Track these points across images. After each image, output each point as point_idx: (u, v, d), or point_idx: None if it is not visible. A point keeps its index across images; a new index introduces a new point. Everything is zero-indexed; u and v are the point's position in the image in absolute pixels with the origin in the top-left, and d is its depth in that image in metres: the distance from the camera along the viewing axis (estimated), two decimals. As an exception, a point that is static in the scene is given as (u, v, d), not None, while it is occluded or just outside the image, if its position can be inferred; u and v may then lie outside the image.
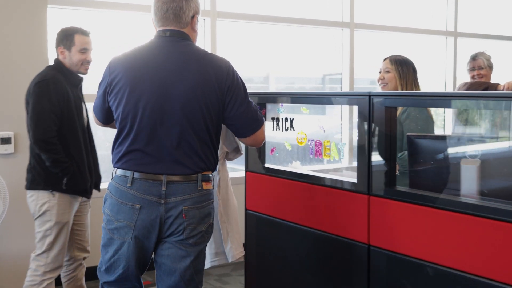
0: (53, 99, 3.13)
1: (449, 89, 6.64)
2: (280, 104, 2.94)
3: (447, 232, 2.20)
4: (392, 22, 6.16)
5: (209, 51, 4.40)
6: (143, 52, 2.39)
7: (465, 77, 6.71)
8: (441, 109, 5.49)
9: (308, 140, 2.76)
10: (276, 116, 2.97)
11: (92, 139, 3.48)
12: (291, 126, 2.86)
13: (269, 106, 3.05)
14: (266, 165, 3.12)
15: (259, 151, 3.14)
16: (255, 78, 5.39)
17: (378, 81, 3.50)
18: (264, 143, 3.01)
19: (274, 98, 3.04)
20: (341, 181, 2.62)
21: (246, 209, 3.24)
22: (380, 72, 3.49)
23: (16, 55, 3.94)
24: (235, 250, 3.07)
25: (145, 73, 2.32)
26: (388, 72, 3.41)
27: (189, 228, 2.32)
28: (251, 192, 3.20)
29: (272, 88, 5.51)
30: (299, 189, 2.84)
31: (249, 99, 2.41)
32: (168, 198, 2.30)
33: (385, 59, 3.47)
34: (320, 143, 2.70)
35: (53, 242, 3.21)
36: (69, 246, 3.42)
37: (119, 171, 2.36)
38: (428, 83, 6.68)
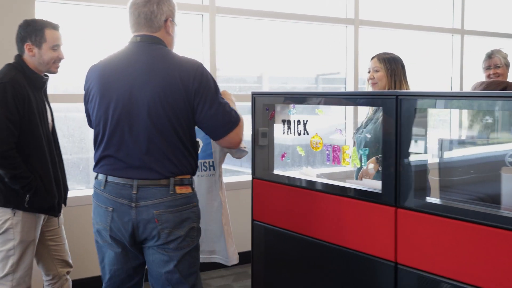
0: (11, 105, 2.74)
1: (456, 89, 6.39)
2: (292, 105, 2.66)
3: (486, 250, 1.93)
4: (397, 20, 5.90)
5: (207, 48, 4.08)
6: (115, 59, 2.42)
7: (472, 76, 6.54)
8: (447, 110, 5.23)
9: (324, 145, 2.49)
10: (286, 118, 2.69)
11: (59, 147, 3.11)
12: (305, 129, 2.59)
13: (278, 108, 2.78)
14: (276, 171, 2.85)
15: (267, 156, 2.87)
16: (248, 78, 5.20)
17: (368, 81, 3.40)
18: (272, 147, 2.77)
19: (285, 98, 2.76)
20: (363, 191, 2.34)
21: (253, 219, 2.96)
22: (369, 72, 3.39)
23: (2, 51, 3.64)
24: (234, 255, 2.91)
25: (115, 79, 2.36)
26: (378, 71, 3.33)
27: (165, 233, 2.32)
28: (259, 201, 2.92)
29: (266, 88, 5.25)
30: (312, 199, 2.57)
31: (221, 100, 2.36)
32: (139, 202, 2.31)
33: (372, 58, 3.40)
34: (338, 149, 2.43)
35: (17, 262, 2.87)
36: (49, 264, 3.11)
37: (97, 175, 2.44)
38: (434, 81, 6.43)
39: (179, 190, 2.34)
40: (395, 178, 2.20)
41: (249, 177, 4.78)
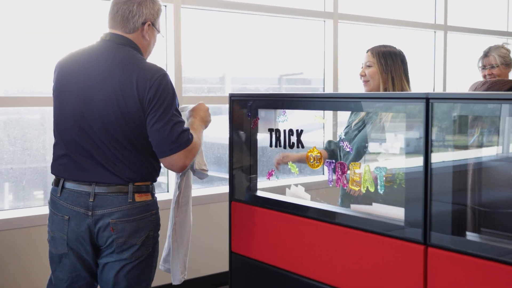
0: None
1: (439, 88, 5.95)
2: (282, 110, 2.11)
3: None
4: (377, 15, 5.42)
5: (171, 43, 3.46)
6: (77, 56, 2.34)
7: (456, 76, 6.15)
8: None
9: (326, 162, 1.94)
10: (275, 127, 2.15)
11: None
12: (299, 141, 2.04)
13: (262, 113, 2.23)
14: (259, 193, 2.30)
15: (248, 173, 2.32)
16: (210, 79, 4.78)
17: (360, 77, 2.89)
18: (255, 162, 2.24)
19: (272, 102, 2.20)
20: (378, 222, 1.81)
21: (230, 251, 2.41)
22: (361, 67, 2.89)
23: None
24: (180, 274, 2.57)
25: (73, 77, 2.28)
26: (370, 66, 2.83)
27: (119, 242, 2.26)
28: (238, 228, 2.37)
29: (229, 89, 4.71)
30: (306, 228, 2.04)
31: (173, 117, 2.20)
32: (95, 210, 2.25)
33: (367, 51, 2.88)
34: (344, 167, 1.89)
35: None
36: None
37: (54, 180, 2.36)
38: (415, 81, 5.97)
39: (138, 197, 2.27)
40: (424, 208, 1.67)
41: (220, 189, 4.20)
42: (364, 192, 1.84)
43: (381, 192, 1.78)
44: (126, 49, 2.28)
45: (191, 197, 2.58)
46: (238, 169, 2.34)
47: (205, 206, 4.25)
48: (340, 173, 1.89)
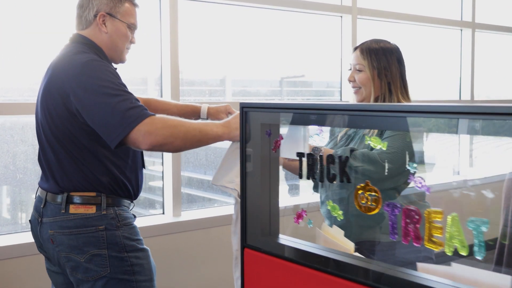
0: None
1: (467, 92, 5.33)
2: (318, 128, 1.49)
3: None
4: (398, 10, 4.81)
5: (167, 39, 3.24)
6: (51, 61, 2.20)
7: (485, 77, 5.56)
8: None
9: (386, 205, 1.32)
10: (306, 151, 1.53)
11: None
12: (343, 172, 1.41)
13: (287, 131, 1.61)
14: (282, 239, 1.68)
15: (268, 212, 1.70)
16: (210, 81, 4.37)
17: (349, 82, 2.31)
18: (277, 198, 1.64)
19: (299, 115, 1.57)
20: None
21: (242, 313, 1.79)
22: (350, 70, 2.30)
23: None
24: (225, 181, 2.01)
25: (41, 82, 2.22)
26: (360, 71, 2.24)
27: (63, 257, 2.10)
28: (253, 282, 1.75)
29: (229, 92, 4.27)
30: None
31: (111, 98, 1.93)
32: (43, 217, 2.14)
33: (355, 49, 2.28)
34: (416, 215, 1.26)
35: None
36: None
37: None
38: (440, 83, 5.37)
39: (73, 209, 2.07)
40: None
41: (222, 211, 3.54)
42: (450, 254, 1.22)
43: (480, 258, 1.16)
44: (72, 46, 2.14)
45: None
46: (254, 204, 1.72)
47: (206, 230, 3.65)
48: (410, 224, 1.27)
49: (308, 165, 1.49)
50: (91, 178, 2.09)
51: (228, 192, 2.00)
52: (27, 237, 3.07)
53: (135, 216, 2.28)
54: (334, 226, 1.72)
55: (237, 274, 2.07)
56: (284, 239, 1.69)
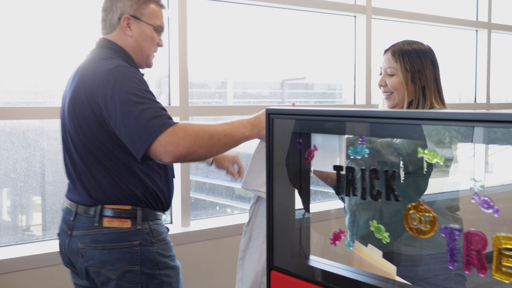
0: None
1: (482, 94, 5.15)
2: (359, 138, 1.31)
3: None
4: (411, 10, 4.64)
5: (176, 40, 3.09)
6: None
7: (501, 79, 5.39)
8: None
9: (444, 228, 1.15)
10: (346, 164, 1.35)
11: None
12: (390, 189, 1.24)
13: (319, 140, 1.44)
14: (313, 261, 1.51)
15: (298, 231, 1.53)
16: (211, 83, 4.20)
17: (379, 87, 2.14)
18: (308, 216, 1.48)
19: (336, 124, 1.39)
20: None
21: None
22: (380, 74, 2.11)
23: None
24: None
25: (65, 89, 2.12)
26: (392, 75, 2.06)
27: (93, 272, 1.99)
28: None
29: (231, 94, 4.12)
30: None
31: (136, 107, 1.82)
32: (73, 230, 2.03)
33: (385, 52, 2.10)
34: (480, 239, 1.09)
35: None
36: None
37: None
38: (456, 85, 5.19)
39: (108, 223, 1.97)
40: None
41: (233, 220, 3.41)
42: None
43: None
44: (97, 51, 2.05)
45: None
46: (281, 222, 1.55)
47: (217, 240, 3.47)
48: (473, 250, 1.09)
49: (348, 180, 1.32)
50: (125, 190, 1.99)
51: (261, 196, 1.83)
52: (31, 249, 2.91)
53: (168, 229, 2.17)
54: (370, 246, 1.55)
55: (239, 276, 1.95)
56: (316, 261, 1.52)
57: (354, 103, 4.36)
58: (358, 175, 1.29)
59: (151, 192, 2.03)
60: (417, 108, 2.03)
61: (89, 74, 1.95)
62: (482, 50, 5.15)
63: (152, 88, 3.43)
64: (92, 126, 1.94)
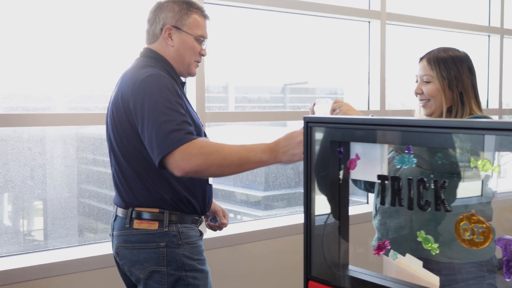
0: None
1: (495, 100, 5.13)
2: (405, 147, 1.29)
3: None
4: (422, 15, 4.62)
5: None
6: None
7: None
8: None
9: (499, 240, 1.13)
10: (389, 174, 1.33)
11: None
12: (440, 200, 1.22)
13: (358, 148, 1.41)
14: (352, 271, 1.49)
15: (337, 240, 1.51)
16: (212, 88, 4.11)
17: (416, 95, 2.13)
18: (347, 224, 1.46)
19: (379, 133, 1.37)
20: None
21: None
22: (416, 81, 2.10)
23: None
24: None
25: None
26: (428, 82, 2.05)
27: (126, 270, 2.13)
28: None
29: (232, 99, 4.07)
30: None
31: (162, 117, 1.90)
32: (113, 231, 2.18)
33: (421, 59, 2.09)
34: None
35: None
36: None
37: None
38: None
39: (137, 224, 2.07)
40: None
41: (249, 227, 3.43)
42: None
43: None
44: (140, 60, 2.15)
45: None
46: (320, 231, 1.53)
47: (232, 248, 3.45)
48: (532, 262, 1.07)
49: (393, 190, 1.29)
50: (154, 194, 2.08)
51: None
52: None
53: (202, 234, 2.24)
54: (408, 255, 1.53)
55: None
56: (355, 271, 1.50)
57: (368, 108, 4.34)
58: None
59: (181, 197, 2.09)
60: (456, 114, 2.02)
61: (127, 81, 2.05)
62: (494, 55, 5.13)
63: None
64: (127, 131, 2.03)
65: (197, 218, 2.20)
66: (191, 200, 2.13)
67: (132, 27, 3.11)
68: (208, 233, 3.42)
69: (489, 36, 5.14)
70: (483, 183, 1.85)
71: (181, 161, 1.87)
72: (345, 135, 1.43)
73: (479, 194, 1.78)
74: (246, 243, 3.49)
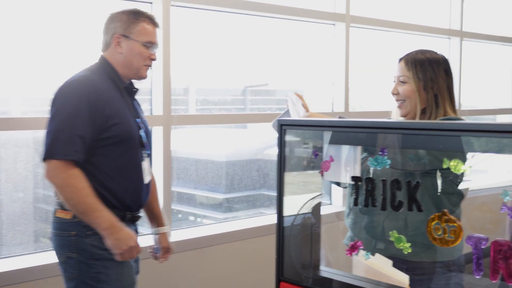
0: None
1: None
2: (380, 149, 1.32)
3: None
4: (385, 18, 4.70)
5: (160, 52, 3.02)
6: None
7: (472, 87, 5.50)
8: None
9: (469, 238, 1.16)
10: (364, 175, 1.36)
11: None
12: (413, 200, 1.25)
13: (333, 151, 1.44)
14: (324, 272, 1.51)
15: (309, 241, 1.53)
16: (172, 90, 3.98)
17: (392, 95, 2.14)
18: (319, 225, 1.48)
19: (368, 135, 1.39)
20: None
21: None
22: (394, 82, 2.13)
23: None
24: None
25: None
26: (404, 83, 2.06)
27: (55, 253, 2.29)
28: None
29: (192, 101, 4.01)
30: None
31: (56, 125, 2.12)
32: None
33: (399, 61, 2.12)
34: (509, 248, 1.10)
35: None
36: None
37: None
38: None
39: (58, 213, 2.24)
40: None
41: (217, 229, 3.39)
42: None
43: None
44: (86, 68, 2.29)
45: None
46: (292, 232, 1.55)
47: (200, 250, 3.44)
48: (502, 259, 1.11)
49: (367, 191, 1.32)
50: None
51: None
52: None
53: (137, 232, 2.35)
54: (378, 255, 1.56)
55: None
56: (327, 272, 1.52)
57: (332, 110, 4.39)
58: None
59: (98, 190, 2.19)
60: (430, 116, 2.05)
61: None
62: (454, 57, 5.25)
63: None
64: None
65: (121, 214, 2.27)
66: (106, 195, 2.22)
67: (90, 32, 3.07)
68: (174, 236, 3.41)
69: (449, 38, 5.26)
70: (454, 183, 1.89)
71: (49, 172, 2.10)
72: (319, 138, 1.45)
73: (451, 194, 1.82)
74: (213, 245, 3.49)
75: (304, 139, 1.50)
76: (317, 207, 1.62)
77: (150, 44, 2.34)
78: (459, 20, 5.22)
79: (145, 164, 2.33)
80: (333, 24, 4.30)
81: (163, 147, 3.32)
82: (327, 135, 1.44)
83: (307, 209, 1.60)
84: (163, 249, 2.58)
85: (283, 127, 1.52)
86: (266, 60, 4.22)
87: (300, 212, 1.59)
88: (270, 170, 4.29)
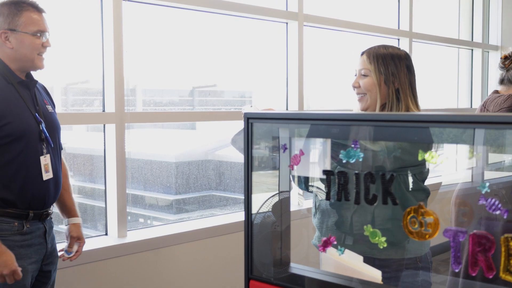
0: None
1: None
2: (352, 141, 1.28)
3: None
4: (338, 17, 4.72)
5: (111, 45, 3.21)
6: None
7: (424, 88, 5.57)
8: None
9: (447, 231, 1.14)
10: (336, 169, 1.32)
11: None
12: (387, 193, 1.22)
13: (304, 144, 1.40)
14: (294, 268, 1.47)
15: (279, 236, 1.49)
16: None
17: (353, 89, 2.14)
18: (288, 219, 1.45)
19: (340, 127, 1.35)
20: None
21: None
22: (355, 75, 2.12)
23: None
24: None
25: None
26: (366, 76, 2.07)
27: None
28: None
29: (140, 102, 3.93)
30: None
31: None
32: None
33: (361, 54, 2.13)
34: (488, 241, 1.08)
35: None
36: None
37: None
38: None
39: None
40: None
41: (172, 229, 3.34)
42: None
43: None
44: None
45: None
46: (261, 229, 1.50)
47: (156, 251, 3.36)
48: (480, 252, 1.09)
49: (340, 184, 1.29)
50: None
51: None
52: None
53: (22, 228, 2.26)
54: (348, 251, 1.53)
55: None
56: (297, 269, 1.48)
57: (287, 109, 4.38)
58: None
59: None
60: (390, 110, 2.05)
61: None
62: (404, 58, 5.32)
63: (80, 95, 3.28)
64: None
65: (24, 213, 2.24)
66: (6, 195, 2.19)
67: None
68: (130, 237, 3.32)
69: (398, 39, 5.33)
70: (419, 180, 1.89)
71: None
72: (290, 131, 1.41)
73: (416, 190, 1.81)
74: (171, 245, 3.41)
75: (271, 132, 1.46)
76: (277, 205, 1.57)
77: (40, 32, 2.26)
78: (408, 21, 5.30)
79: (45, 159, 2.26)
80: (286, 23, 4.28)
81: (116, 145, 3.22)
82: (296, 128, 1.40)
83: (267, 207, 1.56)
84: (73, 239, 2.51)
85: (249, 120, 1.47)
86: (214, 60, 4.16)
87: (260, 211, 1.54)
88: (225, 169, 4.25)
